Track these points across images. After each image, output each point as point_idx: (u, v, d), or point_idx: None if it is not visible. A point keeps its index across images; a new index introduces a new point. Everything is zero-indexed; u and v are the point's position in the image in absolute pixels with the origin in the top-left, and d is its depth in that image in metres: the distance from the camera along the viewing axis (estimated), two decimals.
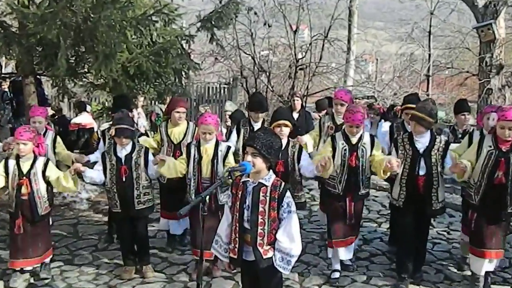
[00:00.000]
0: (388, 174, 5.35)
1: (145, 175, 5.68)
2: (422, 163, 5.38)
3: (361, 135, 5.57)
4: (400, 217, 5.71)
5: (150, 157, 5.71)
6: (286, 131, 5.53)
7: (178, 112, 6.35)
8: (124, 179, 5.56)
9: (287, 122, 5.54)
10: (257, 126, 6.35)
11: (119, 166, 5.56)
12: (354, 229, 5.79)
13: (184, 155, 5.66)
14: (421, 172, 5.39)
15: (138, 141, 6.11)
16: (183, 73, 8.10)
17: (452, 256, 6.51)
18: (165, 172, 5.53)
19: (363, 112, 5.63)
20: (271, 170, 3.79)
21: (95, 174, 5.63)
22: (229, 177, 3.57)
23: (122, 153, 5.59)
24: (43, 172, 5.45)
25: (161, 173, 5.61)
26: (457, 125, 6.73)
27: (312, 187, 9.31)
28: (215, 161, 5.49)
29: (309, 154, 6.06)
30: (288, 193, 3.75)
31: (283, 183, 3.78)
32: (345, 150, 5.56)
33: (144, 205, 5.68)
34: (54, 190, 5.77)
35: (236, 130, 6.64)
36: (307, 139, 6.42)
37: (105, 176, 5.65)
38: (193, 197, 5.50)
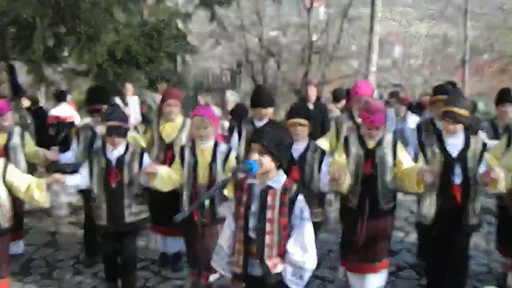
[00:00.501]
0: (421, 189, 5.03)
1: (139, 182, 5.49)
2: (457, 169, 5.11)
3: (381, 137, 5.27)
4: (432, 237, 5.37)
5: (146, 160, 5.56)
6: (301, 131, 5.22)
7: (168, 105, 6.15)
8: (113, 185, 5.41)
9: (303, 121, 5.23)
10: (261, 125, 5.97)
11: (108, 170, 5.41)
12: (374, 254, 5.38)
13: (177, 159, 5.48)
14: (457, 181, 5.11)
15: None
16: (179, 57, 8.12)
17: (491, 270, 6.50)
18: (159, 186, 5.31)
19: (384, 110, 5.28)
20: (281, 170, 3.78)
21: (79, 179, 5.47)
22: (233, 178, 3.55)
23: (113, 154, 5.44)
24: (3, 176, 5.12)
25: (156, 187, 5.36)
26: (498, 118, 6.70)
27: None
28: (214, 165, 5.31)
29: None
30: (300, 197, 3.71)
31: (294, 185, 3.76)
32: (360, 156, 5.26)
33: (136, 216, 5.52)
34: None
35: (237, 131, 6.32)
36: (323, 143, 6.12)
37: (91, 181, 5.50)
38: (186, 208, 5.32)
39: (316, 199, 5.41)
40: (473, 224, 5.23)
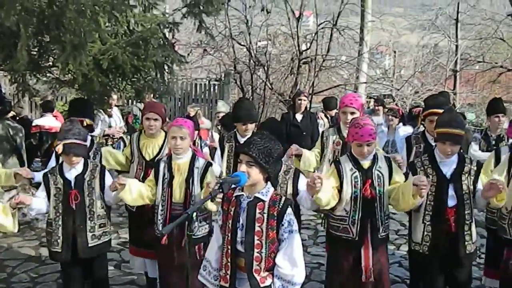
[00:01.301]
0: (419, 200, 4.77)
1: (101, 202, 5.28)
2: (451, 191, 4.90)
3: (374, 156, 5.02)
4: (427, 269, 5.11)
5: (108, 177, 5.34)
6: None
7: (148, 118, 5.91)
8: (74, 207, 5.13)
9: None
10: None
11: (67, 191, 5.14)
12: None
13: (151, 176, 5.30)
14: (451, 203, 4.89)
15: (98, 153, 5.91)
16: (166, 67, 8.09)
17: (484, 285, 6.49)
18: (127, 199, 5.16)
19: (373, 125, 5.00)
20: (269, 182, 3.79)
21: (42, 203, 5.19)
22: (220, 190, 3.53)
23: (72, 173, 5.19)
24: None
25: (123, 200, 5.26)
26: (490, 129, 6.72)
27: None
28: (191, 181, 5.14)
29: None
30: (289, 210, 3.73)
31: (283, 198, 3.78)
32: (356, 177, 4.95)
33: (99, 240, 5.27)
34: None
35: (220, 147, 6.22)
36: (308, 156, 5.97)
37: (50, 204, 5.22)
38: (160, 229, 5.10)
39: None
40: (471, 252, 5.00)
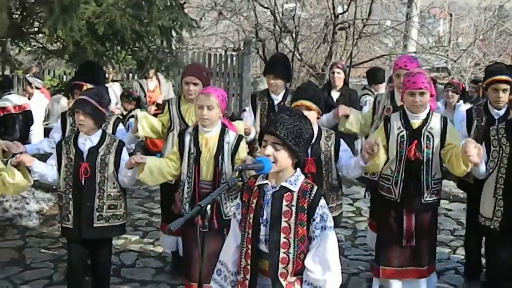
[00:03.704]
0: (468, 168, 5.20)
1: (114, 180, 5.61)
2: None
3: (428, 115, 5.51)
4: (497, 246, 5.58)
5: (125, 155, 5.64)
6: (309, 116, 4.92)
7: (187, 83, 6.20)
8: (83, 182, 5.48)
9: (310, 104, 5.32)
10: (277, 99, 6.67)
11: (78, 163, 5.48)
12: (419, 256, 5.61)
13: (175, 148, 5.52)
14: None
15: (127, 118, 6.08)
16: (174, 33, 8.09)
17: None
18: (146, 179, 5.44)
19: (427, 76, 5.48)
20: (298, 169, 3.76)
21: (47, 169, 5.56)
22: (239, 178, 3.51)
23: (86, 145, 5.52)
24: None
25: (142, 181, 5.50)
26: None
27: (358, 197, 9.28)
28: (220, 158, 5.34)
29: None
30: (322, 201, 3.69)
31: (315, 187, 3.73)
32: (402, 136, 5.48)
33: (106, 222, 5.59)
34: None
35: (251, 107, 6.71)
36: (352, 116, 6.48)
37: (59, 175, 5.60)
38: (186, 208, 5.38)
39: (336, 192, 5.73)
40: None
